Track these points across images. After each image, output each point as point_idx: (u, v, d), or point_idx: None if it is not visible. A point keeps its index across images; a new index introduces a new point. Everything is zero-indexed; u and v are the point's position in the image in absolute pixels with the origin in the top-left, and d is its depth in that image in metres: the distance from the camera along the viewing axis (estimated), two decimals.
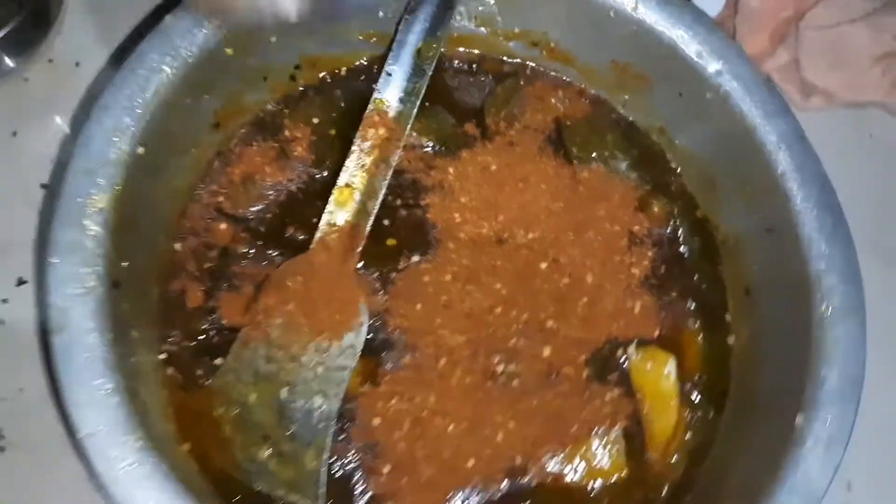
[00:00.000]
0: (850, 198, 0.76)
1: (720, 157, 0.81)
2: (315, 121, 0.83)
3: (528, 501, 0.72)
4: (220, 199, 0.80)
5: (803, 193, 0.73)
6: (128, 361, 0.66)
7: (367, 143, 0.77)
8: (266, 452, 0.70)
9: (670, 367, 0.76)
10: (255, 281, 0.77)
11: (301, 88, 0.85)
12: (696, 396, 0.77)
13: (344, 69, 0.86)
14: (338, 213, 0.76)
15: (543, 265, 0.79)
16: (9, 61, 0.93)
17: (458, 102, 0.86)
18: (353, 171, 0.76)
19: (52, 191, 0.89)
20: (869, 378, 0.86)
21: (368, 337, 0.74)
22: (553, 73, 0.88)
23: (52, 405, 0.81)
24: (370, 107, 0.78)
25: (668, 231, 0.83)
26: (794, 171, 0.74)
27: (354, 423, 0.73)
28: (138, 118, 0.69)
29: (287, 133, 0.82)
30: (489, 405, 0.74)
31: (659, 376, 0.76)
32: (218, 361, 0.74)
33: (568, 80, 0.88)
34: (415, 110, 0.78)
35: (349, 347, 0.73)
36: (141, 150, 0.69)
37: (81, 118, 0.73)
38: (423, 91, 0.79)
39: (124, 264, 0.68)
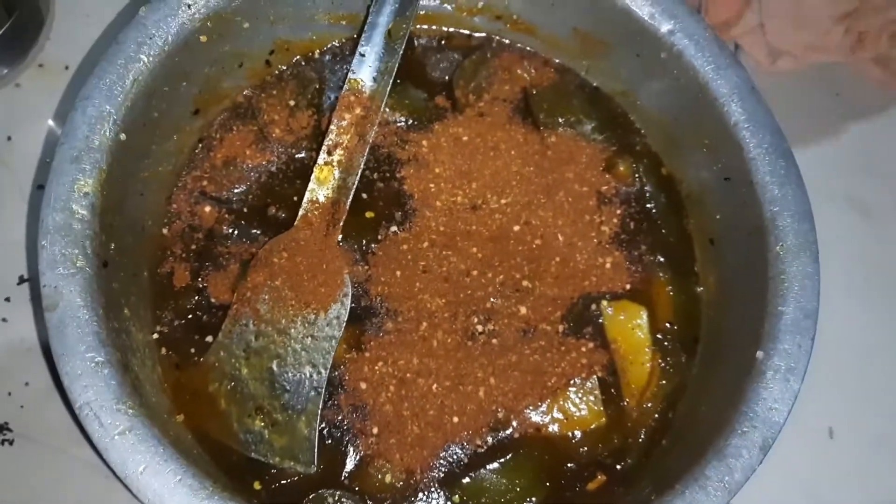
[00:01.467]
0: (820, 155, 0.78)
1: (679, 114, 0.83)
2: (291, 103, 0.86)
3: (512, 453, 0.74)
4: (204, 182, 0.83)
5: (755, 141, 0.76)
6: (120, 337, 0.69)
7: (345, 122, 0.80)
8: (260, 423, 0.73)
9: (642, 318, 0.79)
10: (241, 259, 0.80)
11: (276, 72, 0.88)
12: (668, 344, 0.79)
13: (317, 52, 0.89)
14: (319, 190, 0.79)
15: (516, 228, 0.81)
16: (0, 68, 0.96)
17: (429, 78, 0.89)
18: (332, 150, 0.79)
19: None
20: (852, 327, 0.88)
21: (352, 306, 0.77)
22: (518, 45, 0.91)
23: (58, 398, 0.85)
24: (345, 87, 0.80)
25: (636, 189, 0.85)
26: (746, 121, 0.76)
27: (342, 388, 0.75)
28: (118, 105, 0.72)
29: (265, 116, 0.85)
30: (470, 363, 0.76)
31: (632, 327, 0.78)
32: (209, 339, 0.77)
33: (532, 50, 0.90)
34: (388, 88, 0.81)
35: (335, 318, 0.76)
36: (123, 136, 0.72)
37: (66, 110, 0.76)
38: (395, 69, 0.81)
39: (112, 246, 0.72)
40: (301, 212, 0.78)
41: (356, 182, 0.79)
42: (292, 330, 0.75)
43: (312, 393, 0.74)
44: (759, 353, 0.69)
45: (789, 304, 0.70)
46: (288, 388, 0.74)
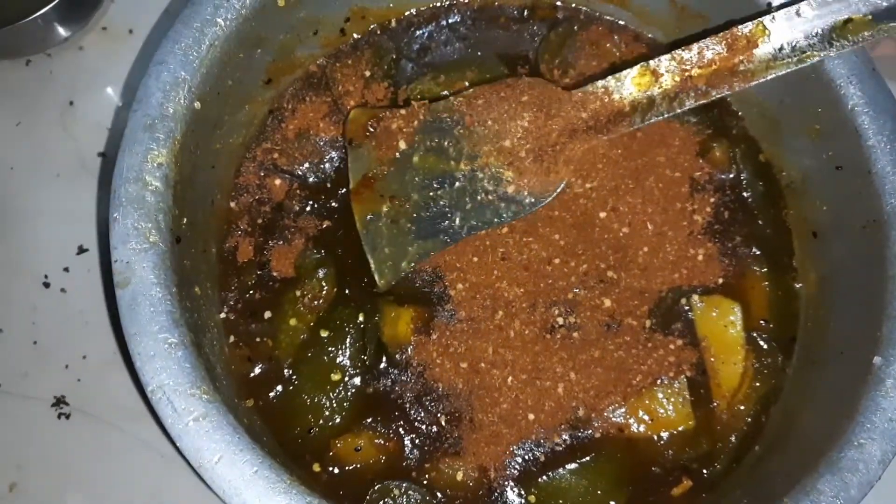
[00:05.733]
0: None
1: (785, 96, 0.77)
2: (367, 74, 0.81)
3: (592, 454, 0.71)
4: (275, 155, 0.80)
5: (875, 127, 0.70)
6: (192, 317, 0.66)
7: (710, 54, 0.69)
8: (386, 208, 0.72)
9: (736, 314, 0.74)
10: (307, 234, 0.77)
11: (351, 42, 0.84)
12: (763, 343, 0.74)
13: (394, 21, 0.84)
14: (623, 86, 0.71)
15: (602, 214, 0.77)
16: (63, 30, 0.93)
17: (510, 51, 0.84)
18: (672, 67, 0.70)
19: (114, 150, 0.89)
20: None
21: (424, 290, 0.74)
22: (608, 17, 0.86)
23: (115, 372, 0.83)
24: (750, 25, 0.69)
25: (731, 176, 0.80)
26: (865, 105, 0.70)
27: (409, 373, 0.72)
28: (194, 72, 0.68)
29: (339, 87, 0.81)
30: (549, 357, 0.72)
31: (724, 324, 0.74)
32: (267, 315, 0.74)
33: (623, 23, 0.85)
34: (781, 72, 0.69)
35: (517, 203, 0.72)
36: (198, 105, 0.69)
37: (137, 76, 0.73)
38: (806, 62, 0.68)
39: (184, 220, 0.69)
40: (590, 87, 0.70)
41: (656, 118, 0.70)
42: (479, 173, 0.71)
43: (443, 237, 0.72)
44: (877, 359, 0.64)
45: None
46: (430, 210, 0.71)
